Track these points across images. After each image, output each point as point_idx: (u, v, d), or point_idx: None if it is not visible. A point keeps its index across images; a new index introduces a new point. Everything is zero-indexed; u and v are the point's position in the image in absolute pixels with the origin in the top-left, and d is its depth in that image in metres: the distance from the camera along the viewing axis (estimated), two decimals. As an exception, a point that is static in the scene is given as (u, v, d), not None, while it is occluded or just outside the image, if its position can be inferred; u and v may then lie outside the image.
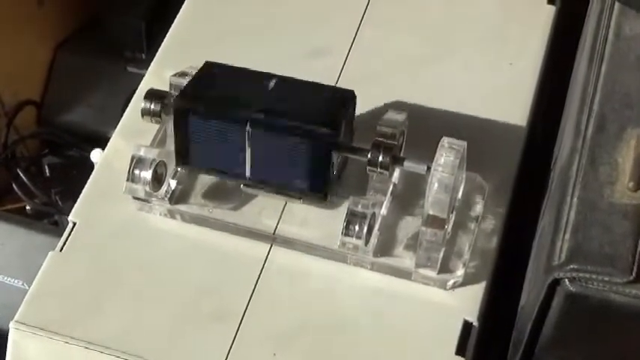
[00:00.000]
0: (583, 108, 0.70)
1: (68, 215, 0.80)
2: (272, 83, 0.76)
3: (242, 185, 0.78)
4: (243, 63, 0.78)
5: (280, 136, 0.74)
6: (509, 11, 0.90)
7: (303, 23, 0.91)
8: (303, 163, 0.74)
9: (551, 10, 0.90)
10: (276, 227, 0.78)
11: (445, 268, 0.74)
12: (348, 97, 0.76)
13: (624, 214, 0.64)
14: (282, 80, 0.77)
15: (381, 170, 0.74)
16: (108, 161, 0.83)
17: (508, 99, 0.84)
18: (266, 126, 0.74)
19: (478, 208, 0.77)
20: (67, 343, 0.73)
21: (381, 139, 0.74)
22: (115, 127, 0.85)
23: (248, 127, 0.74)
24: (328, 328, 0.73)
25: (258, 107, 0.74)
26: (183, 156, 0.77)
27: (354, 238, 0.72)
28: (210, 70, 0.78)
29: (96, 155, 0.89)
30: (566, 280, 0.62)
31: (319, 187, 0.76)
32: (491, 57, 0.87)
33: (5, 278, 1.00)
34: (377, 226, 0.75)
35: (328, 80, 0.84)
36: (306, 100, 0.76)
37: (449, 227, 0.74)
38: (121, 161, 0.79)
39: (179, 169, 0.79)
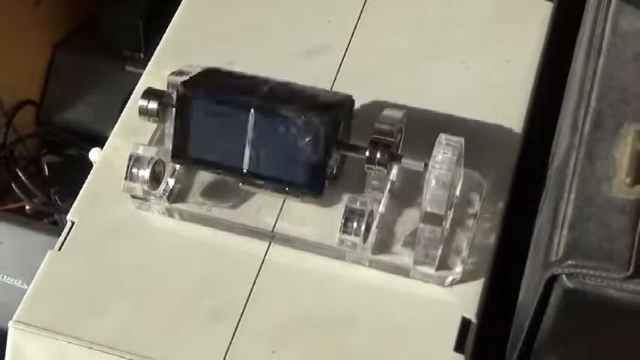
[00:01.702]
0: (580, 104, 0.70)
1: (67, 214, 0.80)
2: (271, 86, 0.76)
3: (240, 183, 0.78)
4: (241, 61, 0.79)
5: (283, 124, 0.74)
6: (506, 8, 0.90)
7: (300, 22, 0.90)
8: (301, 160, 0.74)
9: (549, 6, 0.90)
10: (275, 225, 0.78)
11: (443, 265, 0.74)
12: (346, 99, 0.77)
13: (621, 210, 0.64)
14: (281, 84, 0.77)
15: (379, 167, 0.74)
16: (106, 160, 0.83)
17: (505, 96, 0.84)
18: (269, 111, 0.74)
19: (476, 204, 0.77)
20: (66, 342, 0.73)
21: (378, 136, 0.74)
22: (114, 126, 0.85)
23: (252, 112, 0.74)
24: (327, 325, 0.73)
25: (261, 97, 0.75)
26: (181, 147, 0.77)
27: (352, 236, 0.72)
28: (212, 72, 0.78)
29: (94, 154, 0.89)
30: (564, 275, 0.62)
31: (317, 184, 0.76)
32: (488, 54, 0.87)
33: (5, 278, 1.00)
34: (375, 224, 0.75)
35: (326, 79, 0.84)
36: (305, 101, 0.76)
37: (447, 224, 0.74)
38: (119, 160, 0.79)
39: (177, 167, 0.79)
